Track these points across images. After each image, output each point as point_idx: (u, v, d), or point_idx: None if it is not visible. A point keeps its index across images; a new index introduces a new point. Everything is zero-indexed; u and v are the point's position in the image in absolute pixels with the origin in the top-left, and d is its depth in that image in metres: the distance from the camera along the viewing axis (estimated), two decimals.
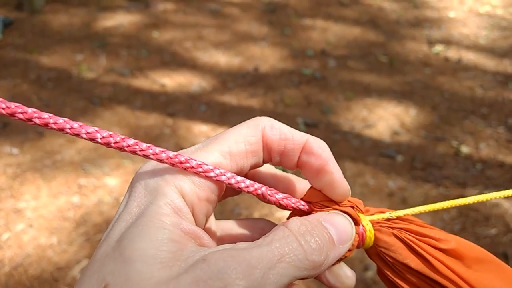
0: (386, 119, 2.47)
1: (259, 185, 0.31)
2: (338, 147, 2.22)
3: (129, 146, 0.28)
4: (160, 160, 0.28)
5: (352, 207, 0.32)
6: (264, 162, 0.33)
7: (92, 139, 0.27)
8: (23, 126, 2.35)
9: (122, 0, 4.41)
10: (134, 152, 0.28)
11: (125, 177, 1.99)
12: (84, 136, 0.26)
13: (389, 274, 0.31)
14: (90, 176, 2.00)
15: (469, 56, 3.22)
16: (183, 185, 0.28)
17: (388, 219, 0.33)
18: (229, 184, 0.29)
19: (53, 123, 0.25)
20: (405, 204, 1.87)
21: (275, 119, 0.32)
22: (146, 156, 0.28)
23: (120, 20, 3.86)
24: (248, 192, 0.30)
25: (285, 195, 0.32)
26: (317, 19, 3.95)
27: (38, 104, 2.57)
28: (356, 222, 0.32)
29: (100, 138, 0.27)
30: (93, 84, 2.82)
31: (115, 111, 2.51)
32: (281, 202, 0.32)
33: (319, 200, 0.32)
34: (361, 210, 0.33)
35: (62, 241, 1.69)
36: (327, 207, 0.31)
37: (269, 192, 0.31)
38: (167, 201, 0.27)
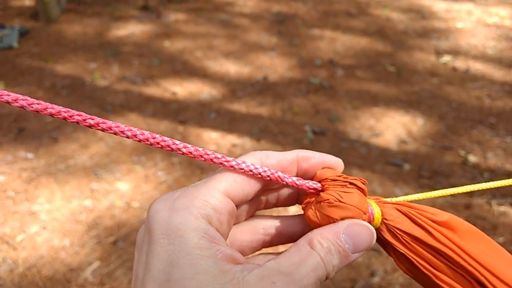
0: (393, 128, 2.49)
1: (274, 170, 0.35)
2: (345, 155, 2.25)
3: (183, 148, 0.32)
4: (211, 160, 0.33)
5: (359, 181, 0.36)
6: (265, 185, 0.37)
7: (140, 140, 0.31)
8: (38, 131, 2.42)
9: (134, 10, 4.52)
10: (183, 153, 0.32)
11: (137, 182, 2.04)
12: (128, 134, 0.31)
13: (398, 245, 0.35)
14: (102, 180, 2.05)
15: (477, 66, 3.23)
16: (209, 214, 0.31)
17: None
18: (249, 171, 0.33)
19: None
20: None
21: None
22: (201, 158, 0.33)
23: (132, 29, 3.95)
24: (267, 176, 0.34)
25: (298, 177, 0.36)
26: (325, 29, 4.00)
27: None
28: (364, 192, 0.35)
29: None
30: (106, 91, 2.89)
31: (127, 118, 2.57)
32: (297, 182, 0.35)
33: (328, 176, 0.36)
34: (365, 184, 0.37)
35: (75, 243, 1.73)
36: (336, 180, 0.35)
37: (285, 175, 0.35)
38: (202, 235, 0.30)
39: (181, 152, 0.32)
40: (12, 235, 1.76)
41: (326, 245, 0.32)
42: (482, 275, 0.32)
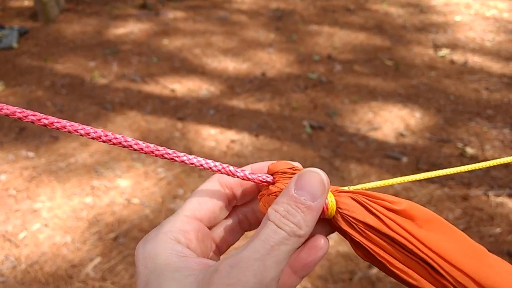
0: (391, 121, 2.50)
1: (226, 165, 0.36)
2: (343, 149, 2.26)
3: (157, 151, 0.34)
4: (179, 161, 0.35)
5: None
6: (229, 199, 0.40)
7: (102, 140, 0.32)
8: (39, 130, 2.44)
9: (133, 9, 4.53)
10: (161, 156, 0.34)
11: (137, 179, 2.06)
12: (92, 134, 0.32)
13: (353, 234, 0.35)
14: (102, 178, 2.07)
15: (475, 59, 3.24)
16: (175, 235, 0.34)
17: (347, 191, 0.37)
18: (200, 165, 0.35)
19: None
20: None
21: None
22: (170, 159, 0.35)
23: (131, 28, 3.96)
24: (218, 170, 0.35)
25: (251, 172, 0.37)
26: (323, 25, 4.01)
27: (53, 110, 2.66)
28: None
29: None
30: (105, 90, 2.90)
31: (127, 115, 2.59)
32: (248, 176, 0.36)
33: (279, 169, 0.37)
34: None
35: (76, 239, 1.75)
36: (286, 172, 0.36)
37: (237, 169, 0.36)
38: (170, 252, 0.33)
39: (143, 151, 0.33)
40: (15, 233, 1.78)
41: (283, 208, 0.32)
42: (434, 261, 0.32)
